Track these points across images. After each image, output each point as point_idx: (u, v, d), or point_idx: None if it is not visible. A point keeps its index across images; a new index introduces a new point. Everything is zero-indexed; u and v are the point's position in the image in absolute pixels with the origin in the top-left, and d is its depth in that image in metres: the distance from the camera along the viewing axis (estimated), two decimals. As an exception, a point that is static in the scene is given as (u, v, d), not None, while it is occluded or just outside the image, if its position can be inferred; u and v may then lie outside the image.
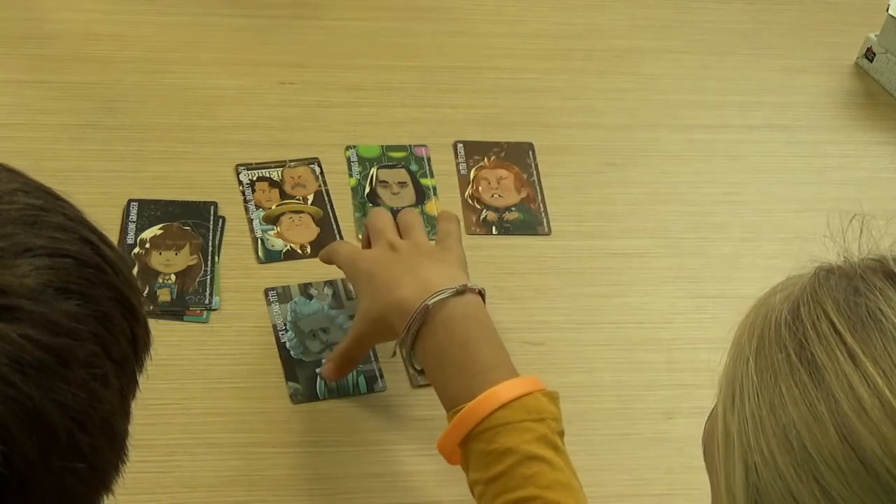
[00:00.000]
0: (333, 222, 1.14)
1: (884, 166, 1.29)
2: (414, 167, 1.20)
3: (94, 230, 0.60)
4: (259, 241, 1.12)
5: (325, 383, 1.02)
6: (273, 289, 1.08)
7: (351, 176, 1.18)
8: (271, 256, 1.11)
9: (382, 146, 1.21)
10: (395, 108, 1.22)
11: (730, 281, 1.15)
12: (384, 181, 1.18)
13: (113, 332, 0.57)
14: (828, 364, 0.58)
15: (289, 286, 1.08)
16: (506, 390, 0.88)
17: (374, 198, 1.17)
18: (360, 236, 1.10)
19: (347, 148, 1.20)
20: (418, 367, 0.95)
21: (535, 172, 1.22)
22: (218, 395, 1.01)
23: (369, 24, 1.34)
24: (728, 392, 0.63)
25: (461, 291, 0.93)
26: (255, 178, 1.17)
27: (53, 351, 0.53)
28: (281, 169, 1.18)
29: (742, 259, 1.18)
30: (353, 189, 1.17)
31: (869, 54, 1.37)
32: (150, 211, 1.12)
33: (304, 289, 1.08)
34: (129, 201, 1.12)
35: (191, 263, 1.09)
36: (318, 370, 1.03)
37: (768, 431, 0.59)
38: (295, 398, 1.02)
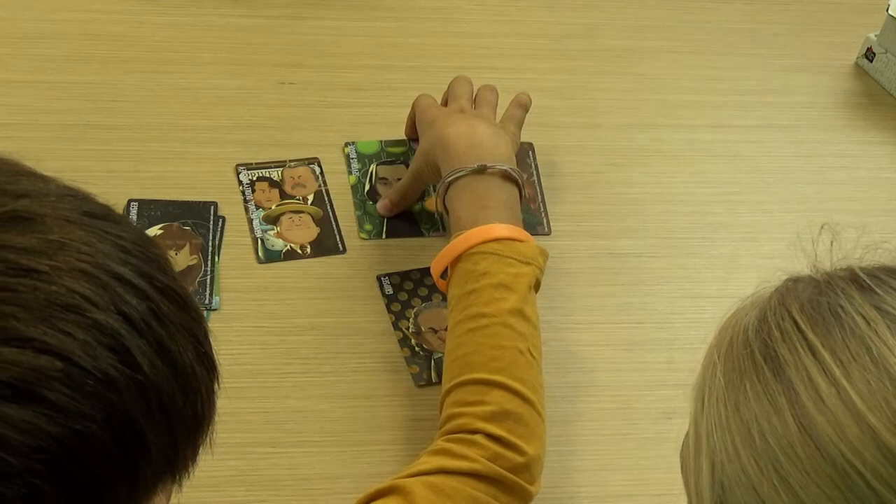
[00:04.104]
0: (333, 222, 1.14)
1: (884, 166, 1.29)
2: None
3: (157, 340, 0.53)
4: (259, 241, 1.12)
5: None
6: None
7: (350, 173, 1.18)
8: (271, 256, 1.11)
9: (381, 141, 1.21)
10: (395, 108, 1.22)
11: (729, 281, 1.15)
12: (384, 178, 1.18)
13: (81, 455, 0.51)
14: (789, 359, 0.60)
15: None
16: (504, 229, 0.99)
17: (374, 195, 1.17)
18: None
19: (346, 144, 1.20)
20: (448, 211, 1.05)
21: (535, 172, 1.22)
22: (218, 395, 1.01)
23: (369, 24, 1.34)
24: (699, 399, 0.65)
25: (508, 176, 1.04)
26: (255, 178, 1.17)
27: None
28: (281, 169, 1.18)
29: (741, 259, 1.18)
30: (353, 187, 1.17)
31: (869, 54, 1.37)
32: (150, 211, 1.12)
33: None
34: (129, 201, 1.12)
35: (191, 263, 1.09)
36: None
37: (732, 428, 0.61)
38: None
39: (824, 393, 0.57)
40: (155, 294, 0.55)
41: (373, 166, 1.19)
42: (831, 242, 0.65)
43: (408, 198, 1.14)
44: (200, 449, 0.60)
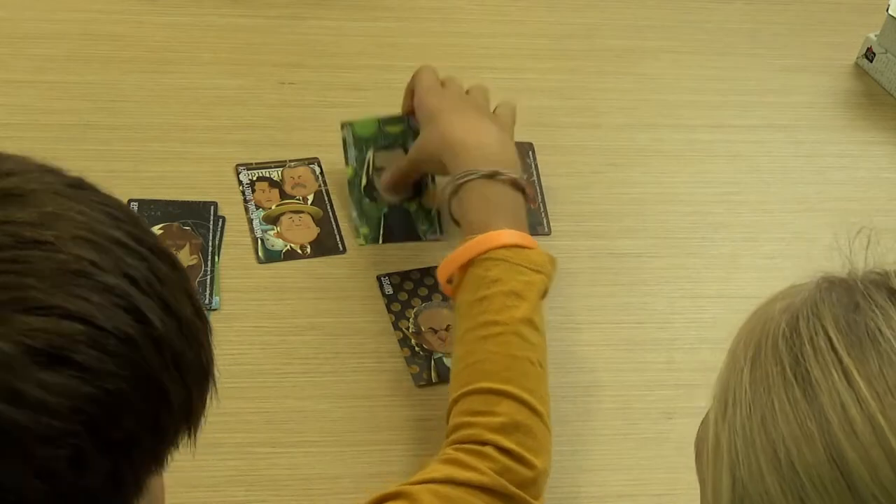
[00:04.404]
0: (333, 222, 1.14)
1: (884, 166, 1.29)
2: (411, 143, 1.15)
3: (160, 297, 0.56)
4: (259, 241, 1.12)
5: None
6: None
7: (347, 162, 1.16)
8: (271, 256, 1.11)
9: (378, 120, 1.16)
10: (395, 109, 1.22)
11: (729, 281, 1.15)
12: (381, 168, 1.16)
13: (113, 413, 0.53)
14: (822, 382, 0.58)
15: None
16: (515, 236, 0.99)
17: (371, 191, 1.15)
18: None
19: (343, 126, 1.16)
20: (455, 216, 1.04)
21: (535, 172, 1.22)
22: (218, 395, 1.01)
23: (369, 24, 1.34)
24: (721, 401, 0.63)
25: (516, 184, 1.02)
26: (255, 178, 1.17)
27: (10, 424, 0.50)
28: (281, 169, 1.18)
29: (741, 259, 1.18)
30: (350, 181, 1.15)
31: (869, 54, 1.37)
32: (150, 211, 1.12)
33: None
34: (129, 201, 1.12)
35: (191, 263, 1.09)
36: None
37: (758, 446, 0.59)
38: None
39: (858, 427, 0.56)
40: (150, 255, 0.57)
41: (370, 153, 1.17)
42: (868, 244, 0.64)
43: (409, 177, 1.14)
44: (208, 401, 0.62)
